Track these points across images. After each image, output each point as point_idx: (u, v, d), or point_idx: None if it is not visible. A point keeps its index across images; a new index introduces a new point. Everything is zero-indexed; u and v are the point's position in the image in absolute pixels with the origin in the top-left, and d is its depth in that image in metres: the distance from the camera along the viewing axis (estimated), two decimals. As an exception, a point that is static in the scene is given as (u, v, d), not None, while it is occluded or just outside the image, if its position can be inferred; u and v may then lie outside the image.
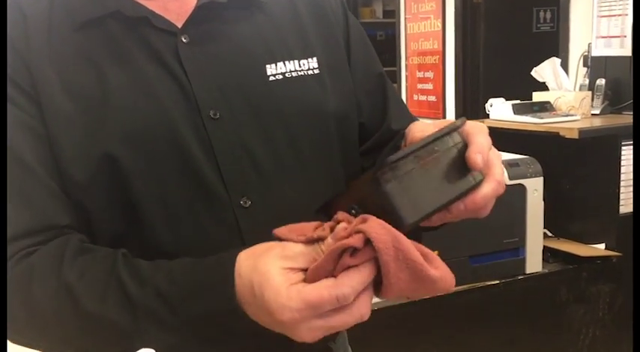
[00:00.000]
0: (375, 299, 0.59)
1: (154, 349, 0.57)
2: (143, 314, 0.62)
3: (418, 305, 1.88)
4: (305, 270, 0.57)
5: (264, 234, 0.73)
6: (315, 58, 0.79)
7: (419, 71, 4.23)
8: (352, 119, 0.84)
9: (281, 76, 0.77)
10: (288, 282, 0.56)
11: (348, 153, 0.83)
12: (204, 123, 0.72)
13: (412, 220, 0.59)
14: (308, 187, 0.78)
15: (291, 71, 0.77)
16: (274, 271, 0.57)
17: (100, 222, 0.71)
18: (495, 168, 0.66)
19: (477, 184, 0.64)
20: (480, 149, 0.64)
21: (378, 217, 0.57)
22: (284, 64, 0.77)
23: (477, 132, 0.66)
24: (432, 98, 4.11)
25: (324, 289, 0.55)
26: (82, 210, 0.70)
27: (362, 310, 0.57)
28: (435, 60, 4.04)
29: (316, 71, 0.79)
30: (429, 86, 4.14)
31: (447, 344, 1.91)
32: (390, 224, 0.57)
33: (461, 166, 0.63)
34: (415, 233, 0.74)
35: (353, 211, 0.60)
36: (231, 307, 0.59)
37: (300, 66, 0.78)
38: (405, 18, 4.32)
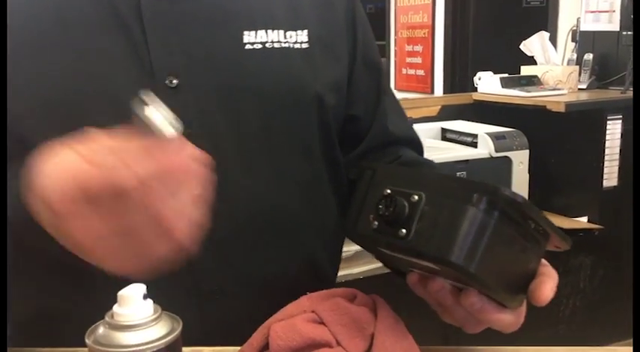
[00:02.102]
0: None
1: None
2: None
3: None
4: None
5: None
6: (305, 31, 0.71)
7: (408, 45, 4.21)
8: (337, 106, 0.74)
9: (260, 46, 0.68)
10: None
11: (328, 143, 0.74)
12: (158, 91, 0.62)
13: (454, 260, 0.48)
14: (276, 175, 0.70)
15: (273, 41, 0.69)
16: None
17: None
18: (524, 310, 0.59)
19: (515, 305, 0.56)
20: (554, 288, 0.56)
21: (434, 219, 0.49)
22: (265, 32, 0.68)
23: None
24: (421, 72, 4.10)
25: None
26: None
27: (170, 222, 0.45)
28: (424, 33, 4.02)
29: (305, 46, 0.71)
30: (418, 60, 4.12)
31: (424, 316, 1.94)
32: (433, 239, 0.49)
33: (523, 278, 0.55)
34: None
35: (416, 197, 0.51)
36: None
37: (285, 37, 0.69)
38: (395, -10, 4.29)
